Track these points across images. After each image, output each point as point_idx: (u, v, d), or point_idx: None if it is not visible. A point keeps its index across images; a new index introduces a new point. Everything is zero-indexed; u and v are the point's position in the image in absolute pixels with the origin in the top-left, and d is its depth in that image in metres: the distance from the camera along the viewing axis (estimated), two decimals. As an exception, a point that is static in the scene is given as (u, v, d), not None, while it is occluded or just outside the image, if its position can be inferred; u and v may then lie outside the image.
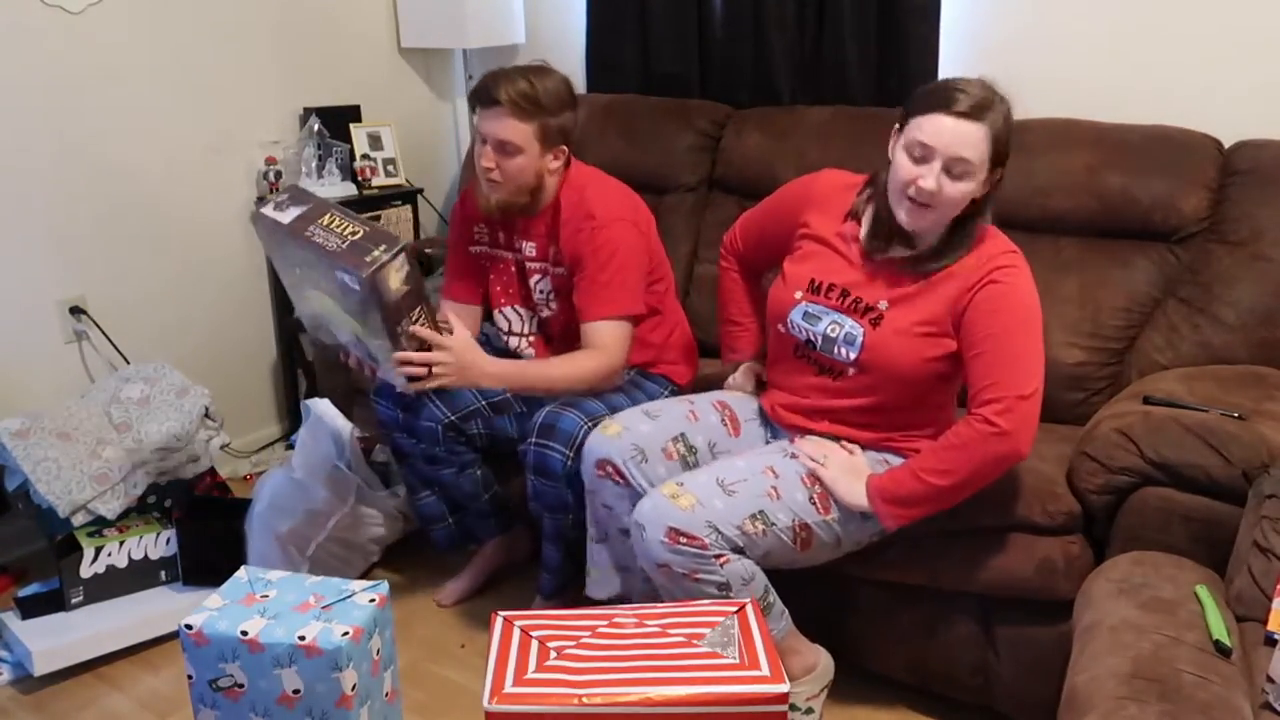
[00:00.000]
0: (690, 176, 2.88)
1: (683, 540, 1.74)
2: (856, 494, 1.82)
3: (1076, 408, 2.26)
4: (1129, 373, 2.24)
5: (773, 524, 1.80)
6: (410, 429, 2.30)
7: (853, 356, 1.87)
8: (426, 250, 3.06)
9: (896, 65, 2.73)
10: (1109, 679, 1.36)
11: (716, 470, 1.85)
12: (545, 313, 2.34)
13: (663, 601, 1.84)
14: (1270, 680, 1.38)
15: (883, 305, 1.85)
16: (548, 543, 2.22)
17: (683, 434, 2.00)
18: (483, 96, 2.13)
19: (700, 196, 2.88)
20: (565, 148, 2.18)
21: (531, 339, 2.37)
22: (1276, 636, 1.47)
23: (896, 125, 1.81)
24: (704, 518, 1.76)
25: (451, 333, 2.05)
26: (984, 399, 1.74)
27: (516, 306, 2.37)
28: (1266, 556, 1.55)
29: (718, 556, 1.75)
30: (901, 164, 1.77)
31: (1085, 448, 1.86)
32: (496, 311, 2.40)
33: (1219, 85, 2.39)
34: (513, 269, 2.35)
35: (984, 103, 1.72)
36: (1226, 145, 2.31)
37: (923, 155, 1.74)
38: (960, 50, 2.69)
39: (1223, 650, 1.42)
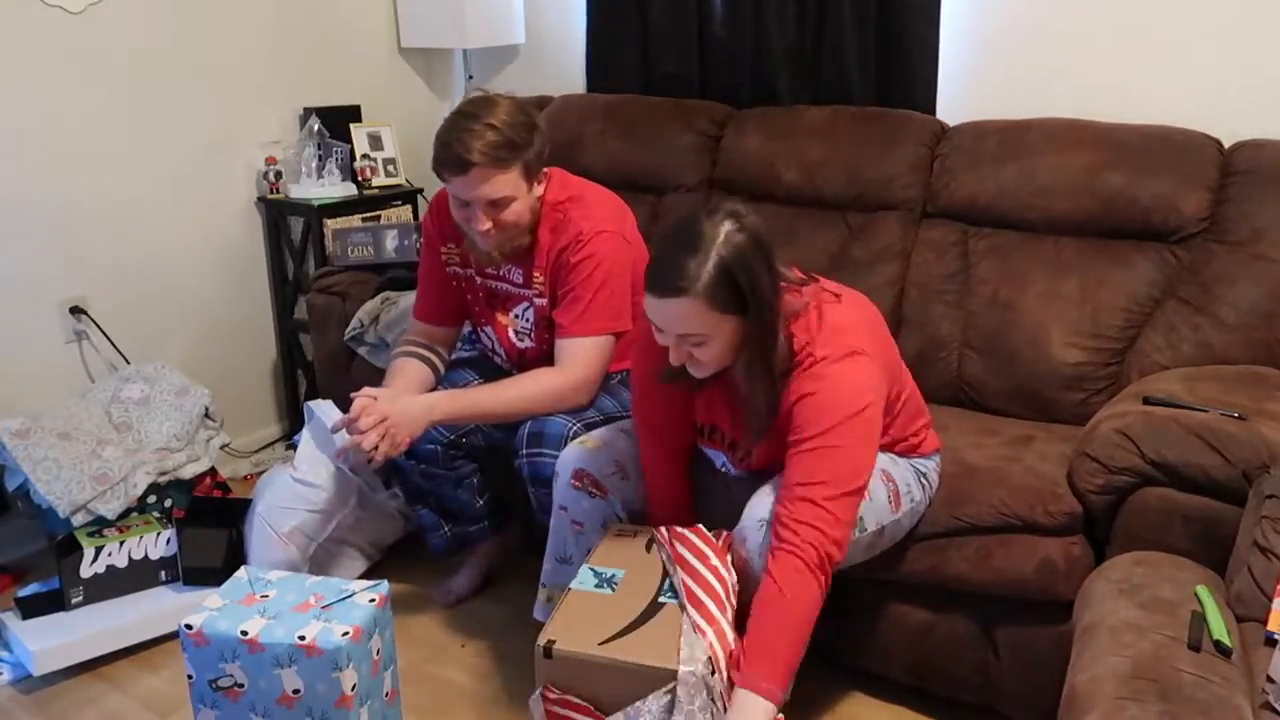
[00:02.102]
0: (690, 176, 2.88)
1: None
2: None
3: (1076, 408, 2.26)
4: (1129, 373, 2.24)
5: (864, 529, 1.79)
6: (410, 451, 2.24)
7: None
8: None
9: (896, 65, 2.73)
10: (1109, 679, 1.36)
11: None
12: (524, 344, 2.25)
13: None
14: (1270, 680, 1.38)
15: (743, 450, 1.84)
16: None
17: None
18: (453, 163, 1.92)
19: (700, 196, 2.87)
20: (545, 169, 2.07)
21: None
22: (1276, 636, 1.47)
23: None
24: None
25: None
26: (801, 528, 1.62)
27: (495, 328, 2.30)
28: (1266, 556, 1.55)
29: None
30: (657, 336, 1.68)
31: (1085, 448, 1.86)
32: (479, 329, 2.36)
33: (1219, 85, 2.39)
34: (482, 294, 2.27)
35: (681, 274, 1.56)
36: (1226, 145, 2.31)
37: (660, 328, 1.65)
38: (960, 50, 2.69)
39: (1223, 650, 1.42)
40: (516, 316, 2.24)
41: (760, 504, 1.73)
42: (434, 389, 2.25)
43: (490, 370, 2.36)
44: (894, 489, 1.84)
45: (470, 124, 1.93)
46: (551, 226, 2.11)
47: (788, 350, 1.68)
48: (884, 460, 1.85)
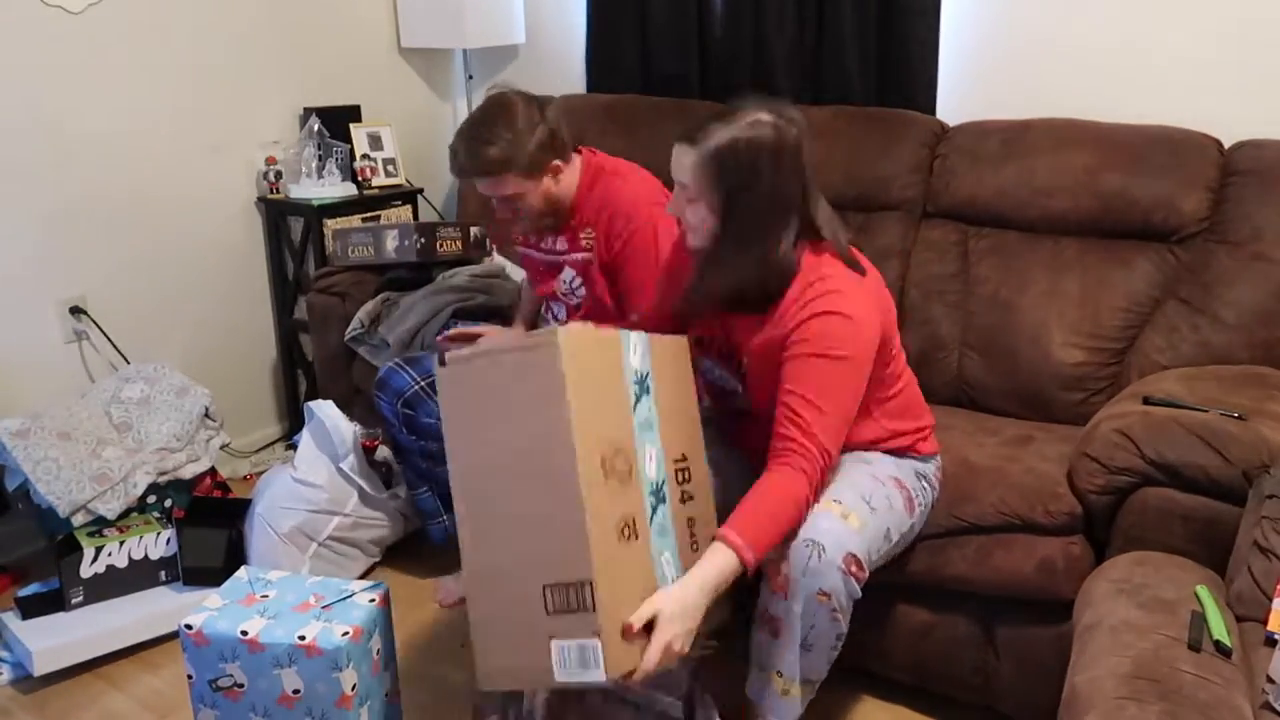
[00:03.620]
0: (690, 176, 2.88)
1: (854, 570, 1.65)
2: (723, 560, 1.59)
3: (1076, 408, 2.26)
4: (1129, 373, 2.24)
5: (890, 540, 1.79)
6: (410, 425, 2.30)
7: (745, 405, 1.90)
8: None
9: (896, 65, 2.73)
10: (1109, 679, 1.36)
11: (855, 484, 1.76)
12: (573, 301, 2.35)
13: None
14: (1270, 680, 1.38)
15: (744, 358, 1.84)
16: None
17: None
18: (455, 170, 2.19)
19: (700, 196, 2.87)
20: (558, 161, 2.16)
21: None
22: (1276, 636, 1.47)
23: None
24: (864, 543, 1.69)
25: None
26: (791, 439, 1.66)
27: (553, 299, 2.40)
28: (1266, 556, 1.55)
29: (855, 601, 1.69)
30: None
31: (1086, 448, 1.86)
32: (546, 303, 2.45)
33: (1219, 85, 2.39)
34: (540, 266, 2.38)
35: (702, 128, 1.68)
36: (1226, 145, 2.31)
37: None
38: (960, 50, 2.69)
39: (1223, 650, 1.42)
40: (563, 281, 2.33)
41: (807, 526, 1.68)
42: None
43: None
44: (906, 495, 1.84)
45: (470, 141, 2.10)
46: (596, 201, 2.21)
47: (783, 263, 1.72)
48: (891, 466, 1.85)
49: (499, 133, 2.10)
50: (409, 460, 2.38)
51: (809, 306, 1.69)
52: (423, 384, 2.31)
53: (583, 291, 2.30)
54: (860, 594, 1.69)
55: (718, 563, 1.58)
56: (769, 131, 1.67)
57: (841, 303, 1.69)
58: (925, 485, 1.91)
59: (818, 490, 1.68)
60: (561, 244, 2.30)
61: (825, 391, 1.67)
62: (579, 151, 2.25)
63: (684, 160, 1.70)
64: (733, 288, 1.77)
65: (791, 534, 1.66)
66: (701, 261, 1.78)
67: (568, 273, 2.30)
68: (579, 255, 2.27)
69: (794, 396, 1.68)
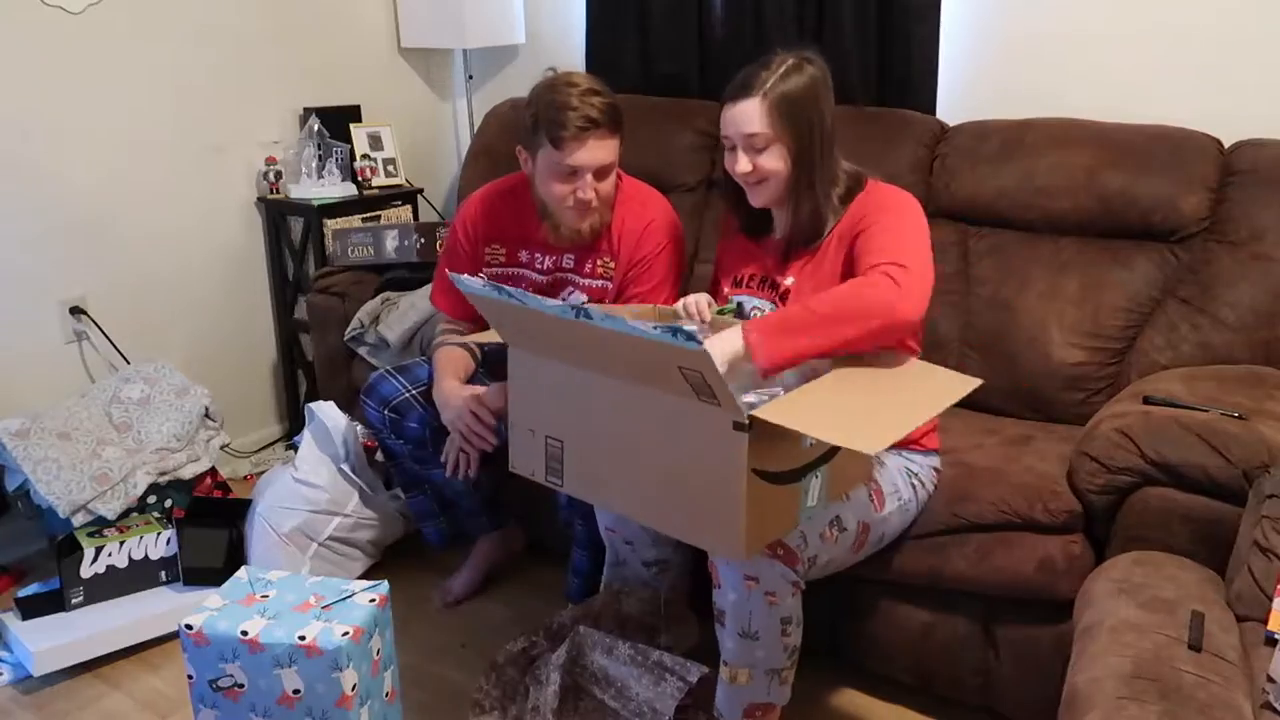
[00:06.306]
0: (690, 176, 2.88)
1: (780, 551, 1.67)
2: (730, 339, 1.64)
3: (1076, 408, 2.26)
4: (1129, 373, 2.24)
5: (844, 528, 1.78)
6: (397, 430, 2.28)
7: None
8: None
9: (896, 65, 2.73)
10: (1109, 679, 1.36)
11: None
12: None
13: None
14: (1270, 680, 1.38)
15: (789, 281, 1.90)
16: (579, 549, 2.20)
17: None
18: (576, 125, 1.95)
19: (700, 196, 2.87)
20: None
21: None
22: (1276, 636, 1.47)
23: None
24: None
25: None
26: (870, 264, 1.73)
27: None
28: (1266, 556, 1.55)
29: (795, 583, 1.69)
30: (726, 159, 1.88)
31: (1086, 448, 1.86)
32: None
33: (1219, 85, 2.39)
34: (532, 288, 2.27)
35: (754, 80, 1.79)
36: (1226, 145, 2.31)
37: (731, 145, 1.85)
38: (960, 50, 2.69)
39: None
40: (568, 296, 2.25)
41: None
42: (475, 373, 2.29)
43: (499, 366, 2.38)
44: (875, 486, 1.84)
45: (580, 91, 1.97)
46: (633, 214, 2.17)
47: (840, 176, 1.88)
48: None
49: (608, 87, 2.02)
50: (400, 465, 2.35)
51: (872, 199, 1.86)
52: (412, 391, 2.25)
53: None
54: (799, 577, 1.69)
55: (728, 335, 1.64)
56: (815, 70, 1.82)
57: (900, 192, 1.88)
58: (914, 483, 1.91)
59: (908, 297, 1.66)
60: (569, 261, 2.21)
61: (900, 242, 1.74)
62: None
63: (750, 112, 1.79)
64: (807, 221, 1.87)
65: (862, 317, 1.65)
66: (776, 205, 1.90)
67: (579, 298, 2.23)
68: (596, 282, 2.20)
69: (869, 267, 1.72)
